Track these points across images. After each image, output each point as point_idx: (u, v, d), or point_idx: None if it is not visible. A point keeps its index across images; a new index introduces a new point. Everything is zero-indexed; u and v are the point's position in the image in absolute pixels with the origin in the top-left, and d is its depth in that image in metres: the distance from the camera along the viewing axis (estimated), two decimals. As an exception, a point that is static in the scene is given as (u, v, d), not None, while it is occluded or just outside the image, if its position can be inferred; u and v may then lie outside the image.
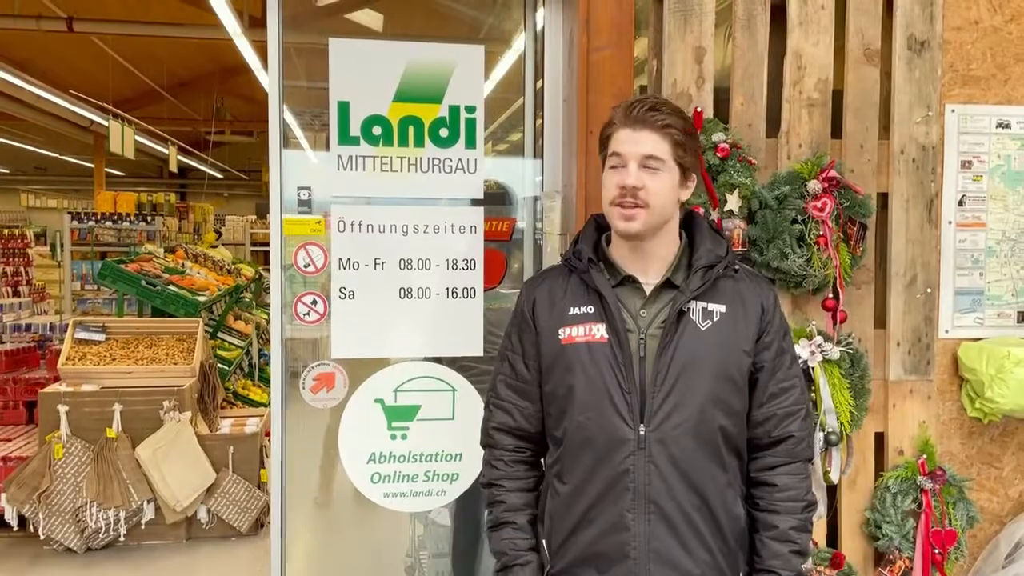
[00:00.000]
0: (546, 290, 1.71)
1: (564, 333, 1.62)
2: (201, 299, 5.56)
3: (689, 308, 1.60)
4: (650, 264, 1.64)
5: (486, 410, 1.77)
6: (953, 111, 2.28)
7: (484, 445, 1.76)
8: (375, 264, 2.24)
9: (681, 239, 1.69)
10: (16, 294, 9.01)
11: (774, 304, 1.69)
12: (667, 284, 1.63)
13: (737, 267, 1.69)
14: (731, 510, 1.61)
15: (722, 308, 1.62)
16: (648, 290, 1.63)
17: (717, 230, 1.73)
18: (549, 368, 1.65)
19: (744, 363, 1.62)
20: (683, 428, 1.56)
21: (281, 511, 2.33)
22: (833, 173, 2.14)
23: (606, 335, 1.59)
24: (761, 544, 1.63)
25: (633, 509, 1.55)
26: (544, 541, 1.68)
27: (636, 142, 1.58)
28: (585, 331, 1.61)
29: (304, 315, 2.29)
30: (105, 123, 8.53)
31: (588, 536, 1.59)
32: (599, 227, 1.74)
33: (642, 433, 1.55)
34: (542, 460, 1.75)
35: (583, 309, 1.62)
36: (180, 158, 13.14)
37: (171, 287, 5.54)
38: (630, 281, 1.64)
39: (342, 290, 2.23)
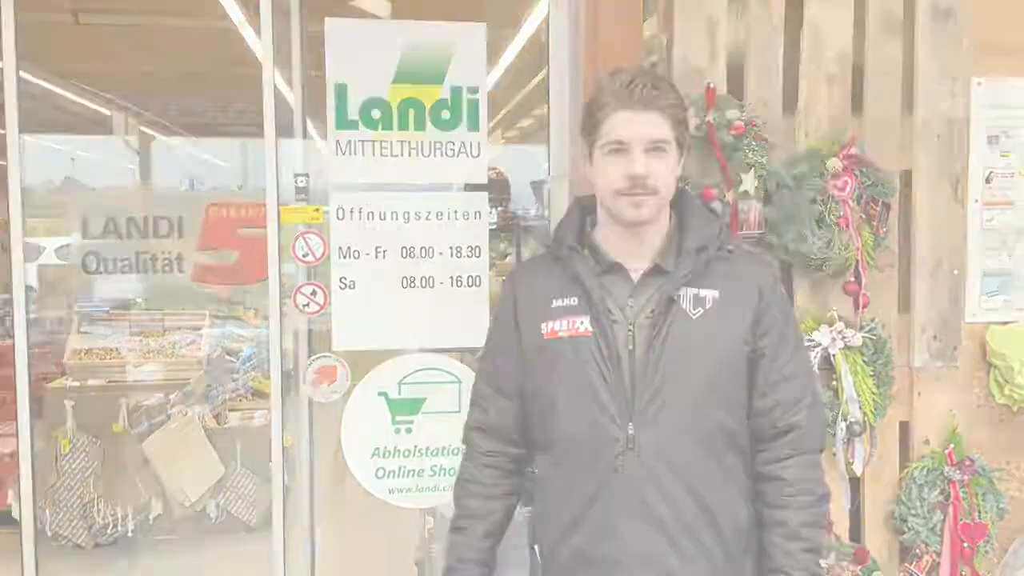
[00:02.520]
0: (529, 281, 1.62)
1: (547, 327, 1.53)
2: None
3: (679, 295, 1.49)
4: (641, 249, 1.54)
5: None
6: (980, 83, 2.18)
7: (462, 442, 1.70)
8: (376, 253, 2.17)
9: (671, 220, 1.59)
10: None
11: (773, 285, 1.58)
12: (656, 270, 1.52)
13: (732, 247, 1.58)
14: (734, 511, 1.52)
15: (715, 293, 1.51)
16: (636, 277, 1.53)
17: (709, 206, 1.64)
18: (532, 365, 1.56)
19: (741, 351, 1.51)
20: (676, 426, 1.46)
21: (283, 505, 2.29)
22: (854, 150, 2.05)
23: (591, 328, 1.49)
24: (771, 544, 1.52)
25: (624, 513, 1.46)
26: (536, 546, 1.60)
27: (642, 125, 1.47)
28: (568, 325, 1.51)
29: (304, 306, 2.22)
30: (109, 114, 8.50)
31: (577, 541, 1.50)
32: (583, 210, 1.64)
33: (631, 432, 1.46)
34: (524, 464, 1.68)
35: (566, 301, 1.52)
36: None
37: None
38: (617, 268, 1.54)
39: (342, 280, 2.16)
